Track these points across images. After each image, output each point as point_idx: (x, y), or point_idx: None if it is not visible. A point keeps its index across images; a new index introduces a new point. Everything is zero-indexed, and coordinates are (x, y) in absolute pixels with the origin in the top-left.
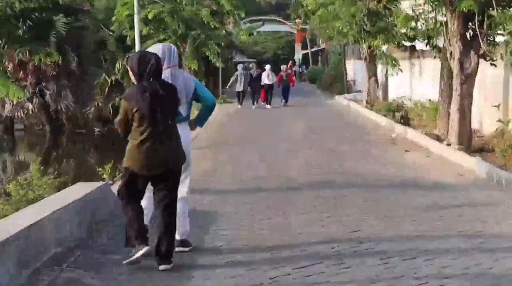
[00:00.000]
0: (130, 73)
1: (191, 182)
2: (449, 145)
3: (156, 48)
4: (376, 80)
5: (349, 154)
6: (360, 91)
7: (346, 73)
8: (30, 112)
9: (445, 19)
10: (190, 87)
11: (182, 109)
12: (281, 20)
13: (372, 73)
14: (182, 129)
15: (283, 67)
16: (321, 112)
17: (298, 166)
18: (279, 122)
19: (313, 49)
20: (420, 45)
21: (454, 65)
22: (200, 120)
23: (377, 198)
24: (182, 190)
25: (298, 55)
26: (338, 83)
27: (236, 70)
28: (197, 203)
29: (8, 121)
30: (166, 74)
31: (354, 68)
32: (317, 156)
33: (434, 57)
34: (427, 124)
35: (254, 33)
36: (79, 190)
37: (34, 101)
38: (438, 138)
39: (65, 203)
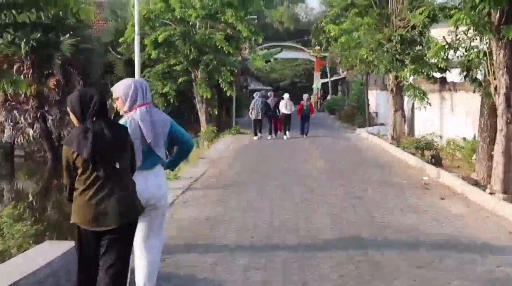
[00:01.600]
0: (72, 116)
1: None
2: (492, 193)
3: (125, 84)
4: (403, 114)
5: (380, 202)
6: (383, 124)
7: (369, 105)
8: (31, 139)
9: (488, 48)
10: (167, 127)
11: (160, 152)
12: (299, 47)
13: (398, 106)
14: (160, 170)
15: (305, 96)
16: (342, 147)
17: (320, 217)
18: (297, 157)
19: (333, 78)
20: (451, 76)
21: (500, 102)
22: (173, 163)
23: (425, 263)
24: (153, 243)
25: (317, 83)
26: (360, 115)
27: (252, 98)
28: (196, 267)
29: (7, 147)
30: (141, 113)
31: (377, 99)
32: (342, 204)
33: (474, 91)
34: (461, 166)
35: (271, 60)
36: (45, 252)
37: (35, 127)
38: (477, 184)
39: (23, 273)
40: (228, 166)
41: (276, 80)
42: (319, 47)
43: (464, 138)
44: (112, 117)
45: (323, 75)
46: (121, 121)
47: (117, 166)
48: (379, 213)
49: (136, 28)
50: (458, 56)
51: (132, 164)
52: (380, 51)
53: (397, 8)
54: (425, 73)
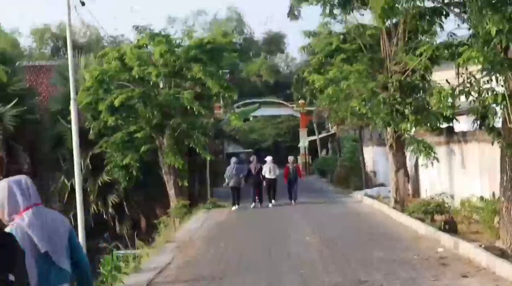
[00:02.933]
0: None
1: None
2: None
3: None
4: (406, 173)
5: None
6: (383, 184)
7: (365, 164)
8: None
9: (507, 90)
10: (66, 229)
11: (64, 263)
12: (281, 101)
13: (400, 164)
14: None
15: (290, 158)
16: (337, 216)
17: None
18: (285, 235)
19: (321, 135)
20: (460, 126)
21: None
22: None
23: None
24: None
25: (304, 142)
26: (355, 176)
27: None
28: None
29: None
30: (29, 218)
31: (374, 157)
32: None
33: (493, 143)
34: (481, 231)
35: (250, 118)
36: None
37: None
38: (505, 255)
39: None
40: (199, 253)
41: (257, 141)
42: (303, 101)
43: (482, 198)
44: None
45: (310, 132)
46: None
47: (11, 278)
48: None
49: (71, 89)
50: (470, 102)
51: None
52: (375, 102)
53: (391, 51)
54: (429, 125)
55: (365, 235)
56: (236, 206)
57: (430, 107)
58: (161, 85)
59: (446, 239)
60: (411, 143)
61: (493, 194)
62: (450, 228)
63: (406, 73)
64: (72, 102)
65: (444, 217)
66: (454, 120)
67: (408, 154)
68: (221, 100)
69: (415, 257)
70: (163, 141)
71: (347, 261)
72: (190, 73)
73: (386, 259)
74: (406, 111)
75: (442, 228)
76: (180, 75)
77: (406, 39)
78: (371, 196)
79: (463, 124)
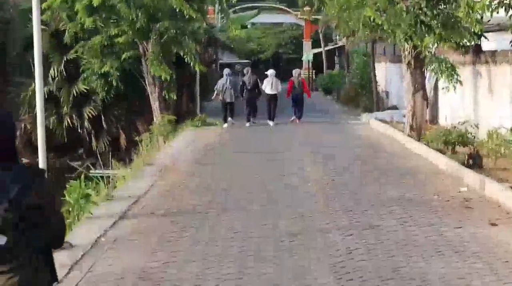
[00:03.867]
0: None
1: None
2: None
3: None
4: (425, 96)
5: (405, 237)
6: (395, 107)
7: (377, 82)
8: None
9: None
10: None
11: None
12: (283, 7)
13: (418, 85)
14: None
15: (295, 71)
16: (345, 142)
17: (317, 271)
18: (283, 160)
19: (328, 47)
20: (488, 44)
21: None
22: None
23: None
24: None
25: (308, 55)
26: (365, 96)
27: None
28: None
29: None
30: None
31: (387, 75)
32: (349, 243)
33: None
34: (510, 168)
35: (248, 26)
36: None
37: None
38: None
39: None
40: (183, 180)
41: (255, 51)
42: (309, 8)
43: None
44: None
45: (315, 44)
46: None
47: None
48: (404, 258)
49: None
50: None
51: None
52: (393, 11)
53: None
54: (454, 41)
55: (376, 167)
56: (228, 123)
57: (459, 21)
58: None
59: (470, 177)
60: (432, 61)
61: None
62: (475, 163)
63: None
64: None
65: (468, 149)
66: (483, 38)
67: (427, 74)
68: (216, 2)
69: (434, 198)
70: (148, 48)
71: (355, 200)
72: None
73: (401, 199)
74: (433, 23)
75: (466, 162)
76: None
77: None
78: (382, 120)
79: (491, 43)
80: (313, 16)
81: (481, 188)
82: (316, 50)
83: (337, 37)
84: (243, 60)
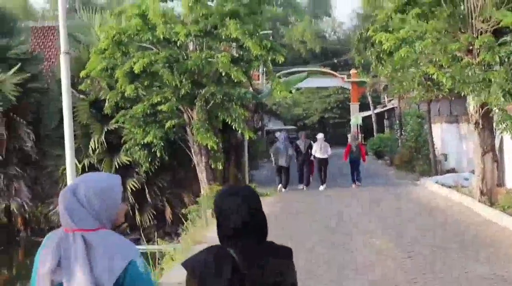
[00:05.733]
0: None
1: None
2: None
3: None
4: (495, 158)
5: None
6: (453, 170)
7: (433, 144)
8: None
9: None
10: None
11: None
12: (329, 71)
13: (488, 145)
14: None
15: (351, 135)
16: (409, 209)
17: None
18: (346, 230)
19: (377, 110)
20: None
21: None
22: None
23: None
24: None
25: (357, 118)
26: (421, 159)
27: (273, 141)
28: None
29: None
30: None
31: (443, 136)
32: None
33: None
34: None
35: (293, 91)
36: None
37: None
38: None
39: None
40: None
41: (300, 117)
42: (355, 71)
43: None
44: None
45: (362, 107)
46: None
47: None
48: None
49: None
50: None
51: None
52: (458, 67)
53: (477, 4)
54: None
55: (452, 238)
56: (283, 188)
57: None
58: (190, 47)
59: None
60: (503, 119)
61: None
62: None
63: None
64: (62, 57)
65: None
66: None
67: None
68: (261, 66)
69: None
70: (193, 115)
71: (440, 281)
72: (224, 32)
73: (494, 279)
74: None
75: None
76: (213, 34)
77: None
78: (444, 184)
79: None
80: (360, 79)
81: None
82: (365, 113)
83: (386, 99)
84: (289, 126)
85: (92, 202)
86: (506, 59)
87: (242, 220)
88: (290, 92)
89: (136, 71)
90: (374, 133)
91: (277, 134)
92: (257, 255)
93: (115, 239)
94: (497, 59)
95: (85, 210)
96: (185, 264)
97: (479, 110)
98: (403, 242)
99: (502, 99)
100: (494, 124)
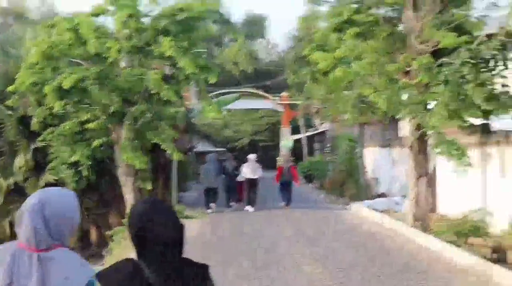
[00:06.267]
0: None
1: None
2: None
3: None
4: (430, 182)
5: None
6: (384, 194)
7: (365, 168)
8: None
9: None
10: None
11: None
12: (261, 93)
13: (422, 169)
14: None
15: (283, 156)
16: (340, 234)
17: None
18: (277, 257)
19: (308, 133)
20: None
21: None
22: None
23: None
24: None
25: (288, 141)
26: (352, 183)
27: (201, 164)
28: None
29: None
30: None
31: (375, 161)
32: None
33: None
34: None
35: (224, 112)
36: None
37: None
38: None
39: None
40: None
41: (231, 139)
42: (287, 94)
43: None
44: None
45: (293, 130)
46: None
47: None
48: None
49: None
50: None
51: None
52: (394, 90)
53: (416, 25)
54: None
55: (385, 264)
56: (211, 208)
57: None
58: (122, 64)
59: (500, 275)
60: (440, 143)
61: None
62: (499, 257)
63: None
64: None
65: (481, 240)
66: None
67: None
68: (193, 86)
69: None
70: (122, 134)
71: None
72: (158, 49)
73: None
74: (477, 96)
75: (490, 257)
76: (146, 51)
77: (438, 10)
78: (375, 209)
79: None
80: (292, 102)
81: None
82: (296, 137)
83: (317, 122)
84: (219, 148)
85: (58, 222)
86: (450, 79)
87: (166, 234)
88: (221, 113)
89: (65, 87)
90: (304, 157)
91: (207, 157)
92: (173, 271)
93: (73, 259)
94: (442, 77)
95: (47, 230)
96: (99, 276)
97: (414, 133)
98: (334, 268)
99: (444, 120)
100: (429, 148)
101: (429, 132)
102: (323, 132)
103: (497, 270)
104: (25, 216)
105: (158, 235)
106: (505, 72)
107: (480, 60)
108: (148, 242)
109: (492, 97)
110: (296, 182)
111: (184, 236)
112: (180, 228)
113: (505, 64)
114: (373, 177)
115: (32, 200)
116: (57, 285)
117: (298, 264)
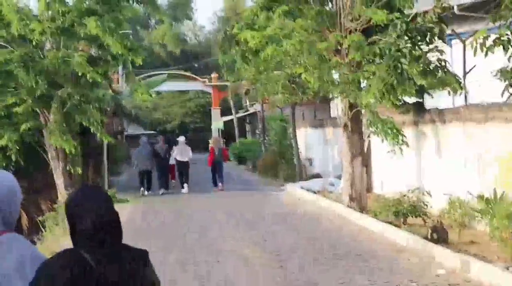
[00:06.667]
0: None
1: None
2: None
3: None
4: (365, 162)
5: None
6: (319, 175)
7: (298, 149)
8: None
9: None
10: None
11: None
12: (190, 75)
13: (357, 149)
14: None
15: (215, 138)
16: (277, 216)
17: None
18: (212, 240)
19: (239, 115)
20: (432, 102)
21: None
22: None
23: None
24: None
25: (218, 123)
26: (285, 164)
27: (133, 146)
28: None
29: None
30: None
31: (308, 141)
32: None
33: None
34: (478, 241)
35: (152, 95)
36: None
37: None
38: None
39: None
40: None
41: (161, 121)
42: (216, 75)
43: (483, 197)
44: None
45: (224, 112)
46: None
47: None
48: None
49: None
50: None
51: None
52: (325, 68)
53: (346, 3)
54: (396, 97)
55: (326, 248)
56: (146, 191)
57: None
58: (47, 46)
59: (443, 255)
60: (374, 122)
61: (495, 192)
62: (440, 237)
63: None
64: None
65: (420, 220)
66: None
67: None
68: (120, 68)
69: (412, 285)
70: (50, 118)
71: None
72: (83, 30)
73: None
74: (414, 71)
75: (430, 236)
76: (71, 33)
77: None
78: (311, 190)
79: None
80: (221, 83)
81: (465, 270)
82: (226, 118)
83: (247, 103)
84: (149, 131)
85: (8, 206)
86: (387, 52)
87: (101, 220)
88: (150, 95)
89: None
90: (236, 138)
91: (140, 140)
92: (113, 257)
93: (24, 245)
94: (377, 51)
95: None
96: (38, 271)
97: (347, 112)
98: (273, 251)
99: (378, 97)
100: (364, 127)
101: (363, 111)
102: (254, 113)
103: (439, 251)
104: None
105: (91, 221)
106: (442, 47)
107: (416, 33)
108: (82, 229)
109: (428, 72)
110: (225, 161)
111: (117, 221)
112: (114, 213)
113: (441, 38)
114: (306, 158)
115: None
116: (3, 274)
117: (236, 248)
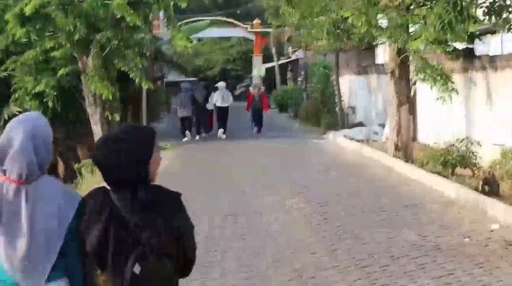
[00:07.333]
0: None
1: None
2: None
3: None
4: (412, 110)
5: None
6: (361, 123)
7: (341, 97)
8: None
9: None
10: (66, 220)
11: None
12: (232, 21)
13: (404, 97)
14: None
15: (255, 84)
16: (320, 166)
17: None
18: (255, 190)
19: (281, 62)
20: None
21: None
22: None
23: None
24: None
25: (259, 70)
26: (327, 113)
27: (173, 93)
28: None
29: None
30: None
31: (351, 89)
32: None
33: None
34: None
35: (193, 41)
36: None
37: None
38: None
39: None
40: None
41: (202, 68)
42: (259, 21)
43: None
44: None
45: (265, 59)
46: None
47: None
48: None
49: None
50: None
51: None
52: (374, 12)
53: None
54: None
55: (372, 199)
56: (187, 137)
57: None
58: None
59: (496, 209)
60: (423, 68)
61: None
62: (491, 189)
63: None
64: None
65: (469, 171)
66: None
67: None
68: (161, 13)
69: (466, 241)
70: (88, 63)
71: (365, 249)
72: None
73: (424, 246)
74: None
75: (481, 189)
76: None
77: None
78: (354, 138)
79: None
80: (263, 29)
81: None
82: (268, 65)
83: (290, 50)
84: (190, 78)
85: (45, 149)
86: None
87: (123, 161)
88: (190, 41)
89: (27, 13)
90: (277, 86)
91: (183, 85)
92: (144, 200)
93: (59, 186)
94: None
95: (38, 161)
96: (83, 198)
97: (395, 58)
98: (316, 203)
99: (428, 42)
100: (411, 74)
101: (411, 57)
102: (296, 61)
103: (491, 204)
104: (16, 153)
105: (110, 162)
106: None
107: None
108: (106, 169)
109: (492, 11)
110: (266, 110)
111: (145, 162)
112: (137, 154)
113: None
114: (349, 106)
115: (18, 134)
116: (47, 214)
117: (278, 199)
